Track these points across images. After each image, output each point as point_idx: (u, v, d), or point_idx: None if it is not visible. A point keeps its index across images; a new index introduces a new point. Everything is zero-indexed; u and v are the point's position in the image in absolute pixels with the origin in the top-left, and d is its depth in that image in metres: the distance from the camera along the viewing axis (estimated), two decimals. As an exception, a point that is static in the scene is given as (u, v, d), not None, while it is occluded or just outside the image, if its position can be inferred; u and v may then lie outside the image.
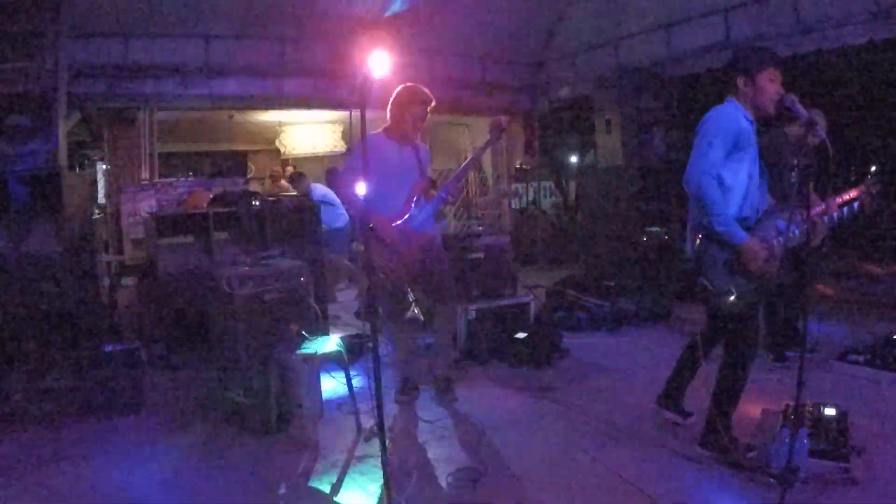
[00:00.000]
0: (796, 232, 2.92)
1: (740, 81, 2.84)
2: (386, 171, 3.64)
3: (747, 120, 2.85)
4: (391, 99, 3.76)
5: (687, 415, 3.40)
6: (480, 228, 6.57)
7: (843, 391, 3.72)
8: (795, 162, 3.42)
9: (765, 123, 2.97)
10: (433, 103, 3.77)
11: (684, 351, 3.36)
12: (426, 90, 3.77)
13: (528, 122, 10.48)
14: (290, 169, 10.02)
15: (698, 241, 2.88)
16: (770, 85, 2.81)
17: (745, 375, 2.92)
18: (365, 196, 3.57)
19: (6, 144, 3.54)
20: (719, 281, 2.83)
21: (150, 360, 4.77)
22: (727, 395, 2.92)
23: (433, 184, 3.90)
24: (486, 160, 11.02)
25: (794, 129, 4.04)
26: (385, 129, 3.82)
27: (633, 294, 5.79)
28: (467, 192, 10.90)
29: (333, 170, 8.86)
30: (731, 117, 2.82)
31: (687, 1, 7.14)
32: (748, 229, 2.82)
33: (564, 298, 6.09)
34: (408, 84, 3.76)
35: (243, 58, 7.37)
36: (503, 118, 3.77)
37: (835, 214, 3.36)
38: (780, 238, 2.86)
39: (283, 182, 9.47)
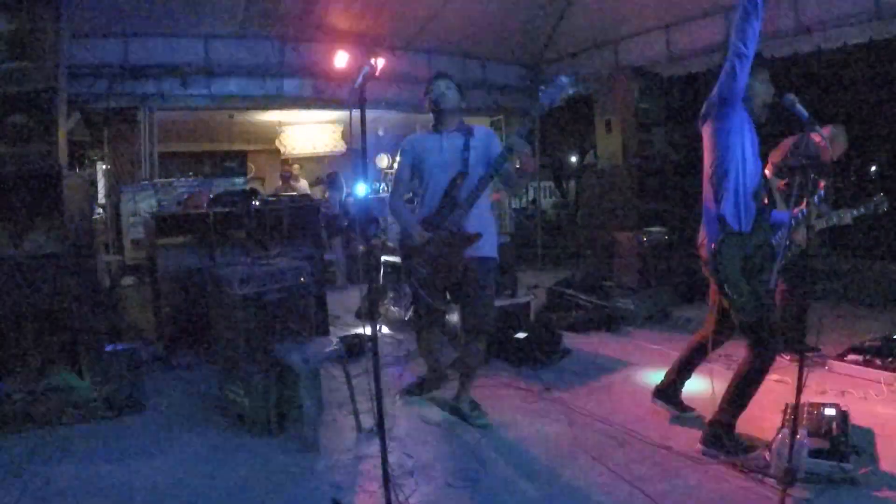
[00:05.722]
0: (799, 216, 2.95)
1: None
2: (427, 167, 3.42)
3: (747, 122, 2.91)
4: None
5: (685, 409, 3.42)
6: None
7: (843, 391, 3.73)
8: (794, 163, 3.49)
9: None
10: (450, 78, 3.45)
11: (688, 349, 3.38)
12: (442, 71, 3.60)
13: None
14: (295, 167, 10.03)
15: (714, 245, 2.88)
16: (762, 86, 2.92)
17: (762, 380, 2.92)
18: (395, 199, 3.50)
19: (6, 144, 3.53)
20: (738, 283, 2.84)
21: (150, 360, 4.78)
22: (740, 398, 2.93)
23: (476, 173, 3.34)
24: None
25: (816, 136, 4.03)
26: (430, 127, 3.55)
27: (632, 294, 5.79)
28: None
29: (335, 174, 8.91)
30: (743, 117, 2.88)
31: (687, 1, 7.13)
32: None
33: (564, 298, 6.09)
34: None
35: (243, 58, 7.37)
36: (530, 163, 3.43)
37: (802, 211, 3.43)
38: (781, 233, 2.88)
39: (298, 183, 9.49)
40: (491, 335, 3.59)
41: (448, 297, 3.52)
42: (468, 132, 3.43)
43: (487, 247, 3.40)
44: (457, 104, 3.44)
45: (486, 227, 3.39)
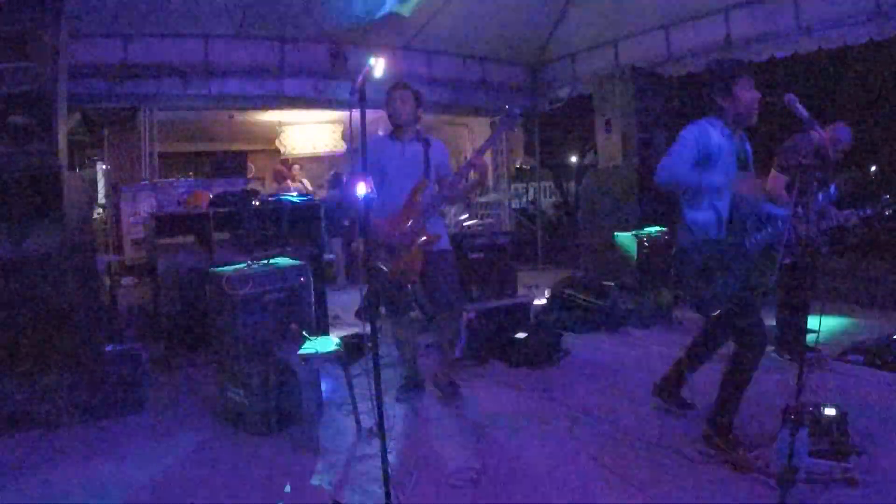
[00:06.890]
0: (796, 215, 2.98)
1: (720, 99, 2.92)
2: (387, 171, 3.70)
3: (724, 135, 2.92)
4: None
5: (688, 406, 3.42)
6: (480, 228, 6.59)
7: (843, 391, 3.73)
8: (798, 162, 3.51)
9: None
10: (410, 88, 3.79)
11: (688, 347, 3.39)
12: (405, 81, 3.89)
13: (529, 122, 10.49)
14: (295, 167, 9.99)
15: (675, 250, 2.96)
16: (746, 93, 2.91)
17: (750, 375, 2.94)
18: (365, 197, 3.59)
19: (6, 144, 3.53)
20: (697, 287, 2.91)
21: (150, 360, 4.78)
22: (731, 394, 2.95)
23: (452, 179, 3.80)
24: (487, 160, 11.01)
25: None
26: (389, 132, 3.88)
27: (632, 294, 5.79)
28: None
29: (338, 175, 8.90)
30: (703, 132, 2.90)
31: (687, 1, 7.14)
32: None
33: (564, 298, 6.09)
34: None
35: (243, 58, 7.37)
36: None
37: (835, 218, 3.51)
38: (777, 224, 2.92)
39: (295, 183, 9.44)
40: (460, 312, 4.00)
41: (409, 289, 3.84)
42: (427, 143, 3.79)
43: (444, 242, 3.85)
44: (410, 118, 3.78)
45: (440, 227, 3.87)
